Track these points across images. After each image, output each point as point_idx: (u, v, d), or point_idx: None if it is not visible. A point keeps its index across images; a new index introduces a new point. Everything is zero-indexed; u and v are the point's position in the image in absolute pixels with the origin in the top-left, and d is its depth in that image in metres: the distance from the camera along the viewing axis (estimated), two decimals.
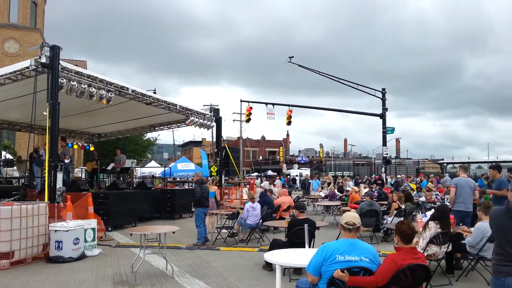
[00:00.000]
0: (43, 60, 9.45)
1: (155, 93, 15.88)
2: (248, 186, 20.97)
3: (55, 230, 7.71)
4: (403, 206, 9.94)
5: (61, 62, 9.75)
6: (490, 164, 21.67)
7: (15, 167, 16.32)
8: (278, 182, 29.51)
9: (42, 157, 12.47)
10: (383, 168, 24.91)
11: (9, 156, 18.46)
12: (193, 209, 11.05)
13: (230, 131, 71.68)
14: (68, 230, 7.67)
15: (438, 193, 14.88)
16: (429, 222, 6.08)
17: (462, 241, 6.33)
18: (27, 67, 9.76)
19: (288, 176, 44.26)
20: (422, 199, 14.52)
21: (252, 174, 46.59)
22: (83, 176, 18.38)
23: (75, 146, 18.64)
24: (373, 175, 25.75)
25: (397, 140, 65.93)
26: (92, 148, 18.69)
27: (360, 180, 26.37)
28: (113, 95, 11.31)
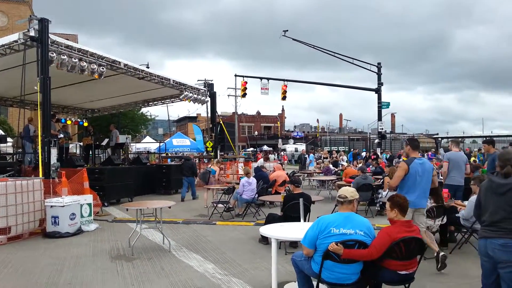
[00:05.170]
0: (32, 33, 9.21)
1: (148, 67, 15.62)
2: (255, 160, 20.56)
3: (51, 206, 7.71)
4: None
5: (50, 35, 9.50)
6: (484, 138, 21.79)
7: (9, 143, 16.17)
8: (271, 157, 29.58)
9: (35, 133, 12.35)
10: (377, 142, 25.06)
11: (1, 132, 18.27)
12: None
13: (225, 106, 71.41)
14: (64, 206, 7.68)
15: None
16: None
17: (456, 215, 6.40)
18: (16, 41, 9.53)
19: (284, 152, 44.35)
20: None
21: (248, 150, 46.64)
22: (78, 151, 18.27)
23: (69, 122, 18.43)
24: (370, 152, 25.96)
25: (392, 115, 66.03)
26: (85, 124, 18.51)
27: (357, 152, 26.53)
28: (104, 69, 11.11)
